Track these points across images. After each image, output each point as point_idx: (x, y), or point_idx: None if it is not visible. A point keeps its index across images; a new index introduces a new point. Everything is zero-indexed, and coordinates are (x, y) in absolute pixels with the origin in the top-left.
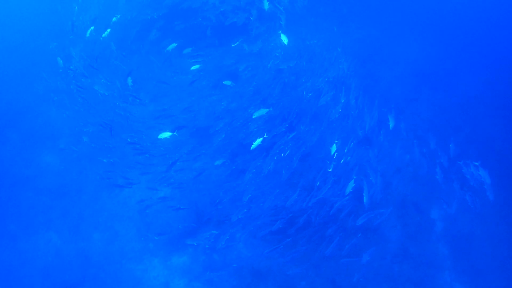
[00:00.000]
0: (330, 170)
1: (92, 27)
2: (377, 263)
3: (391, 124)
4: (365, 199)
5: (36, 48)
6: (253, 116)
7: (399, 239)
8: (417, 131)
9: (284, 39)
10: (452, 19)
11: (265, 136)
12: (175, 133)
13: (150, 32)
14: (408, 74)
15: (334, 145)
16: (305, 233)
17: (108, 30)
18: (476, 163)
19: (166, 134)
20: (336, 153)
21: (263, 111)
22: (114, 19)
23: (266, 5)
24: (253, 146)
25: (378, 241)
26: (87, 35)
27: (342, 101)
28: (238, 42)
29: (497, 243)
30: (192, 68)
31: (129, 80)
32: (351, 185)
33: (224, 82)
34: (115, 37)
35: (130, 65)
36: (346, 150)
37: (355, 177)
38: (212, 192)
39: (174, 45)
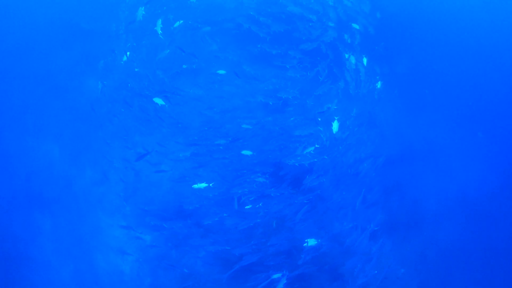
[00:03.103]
0: None
1: None
2: None
3: None
4: None
5: None
6: (193, 186)
7: None
8: None
9: (335, 126)
10: None
11: (210, 185)
12: (166, 105)
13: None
14: (449, 207)
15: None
16: None
17: None
18: None
19: (159, 101)
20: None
21: (202, 185)
22: None
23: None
24: (196, 186)
25: None
26: None
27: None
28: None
29: None
30: (219, 71)
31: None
32: None
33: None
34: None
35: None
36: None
37: None
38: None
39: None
